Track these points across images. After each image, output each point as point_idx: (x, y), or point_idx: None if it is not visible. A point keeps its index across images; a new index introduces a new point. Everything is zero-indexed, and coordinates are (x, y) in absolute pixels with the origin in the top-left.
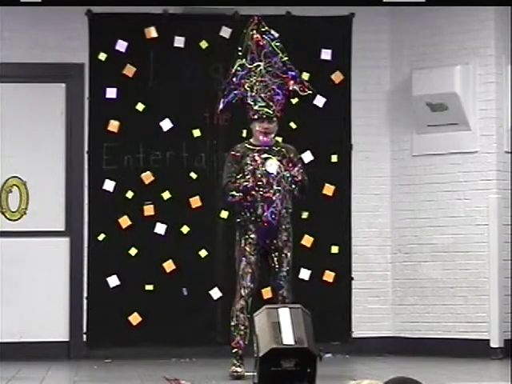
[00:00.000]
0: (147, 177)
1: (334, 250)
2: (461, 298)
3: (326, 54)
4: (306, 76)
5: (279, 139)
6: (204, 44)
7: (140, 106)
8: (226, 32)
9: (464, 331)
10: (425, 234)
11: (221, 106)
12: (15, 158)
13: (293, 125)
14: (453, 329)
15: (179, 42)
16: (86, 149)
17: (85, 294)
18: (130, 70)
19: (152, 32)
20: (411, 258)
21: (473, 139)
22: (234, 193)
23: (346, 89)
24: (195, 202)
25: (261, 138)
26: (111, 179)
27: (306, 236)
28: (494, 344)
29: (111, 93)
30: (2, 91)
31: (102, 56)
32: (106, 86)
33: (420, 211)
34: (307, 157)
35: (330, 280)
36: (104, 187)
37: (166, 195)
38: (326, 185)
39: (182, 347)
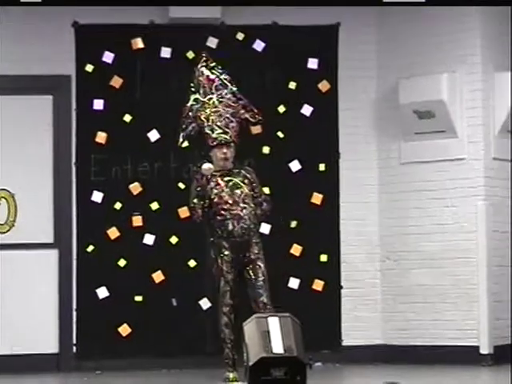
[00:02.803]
0: (135, 188)
1: (323, 258)
2: (450, 304)
3: (312, 63)
4: (292, 85)
5: (266, 149)
6: (190, 54)
7: (127, 117)
8: (212, 42)
9: (454, 338)
10: (413, 242)
11: (181, 140)
12: (3, 171)
13: (280, 134)
14: (442, 336)
15: (166, 52)
16: (73, 160)
17: (74, 306)
18: (117, 82)
19: (138, 43)
20: (400, 265)
21: (460, 146)
22: (195, 200)
23: (333, 98)
24: (184, 212)
25: (221, 163)
26: (99, 190)
27: (295, 245)
28: (484, 350)
29: (98, 104)
30: None
31: (89, 67)
32: (94, 98)
33: (408, 219)
34: (295, 166)
35: (319, 289)
36: (92, 199)
37: (155, 206)
38: (314, 193)
39: (171, 358)
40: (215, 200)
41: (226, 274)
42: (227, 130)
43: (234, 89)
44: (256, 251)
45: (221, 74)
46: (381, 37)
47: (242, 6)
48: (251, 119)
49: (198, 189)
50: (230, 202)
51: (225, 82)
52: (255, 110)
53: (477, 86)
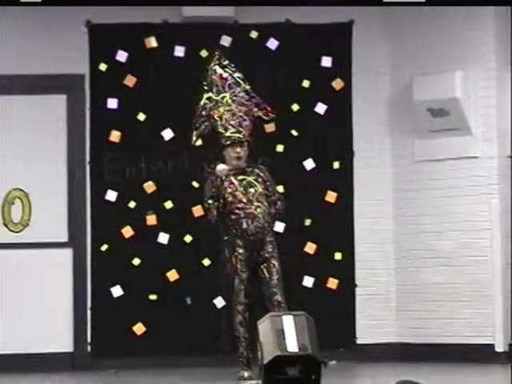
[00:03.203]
0: (149, 186)
1: (338, 256)
2: (465, 302)
3: (326, 62)
4: (306, 83)
5: (280, 147)
6: (204, 53)
7: (141, 116)
8: (225, 41)
9: (468, 336)
10: (427, 240)
11: (194, 138)
12: (17, 170)
13: (294, 132)
14: (457, 334)
15: (179, 51)
16: (87, 159)
17: (89, 305)
18: (130, 80)
19: (152, 42)
20: (414, 263)
21: (474, 144)
22: (210, 201)
23: (347, 96)
24: (198, 210)
25: (234, 162)
26: (113, 189)
27: (309, 243)
28: (499, 348)
29: (112, 103)
30: (2, 103)
31: (103, 66)
32: (107, 97)
33: (422, 217)
34: (309, 164)
35: (334, 287)
36: (106, 198)
37: (169, 205)
38: (329, 192)
39: (186, 356)
40: (229, 199)
41: (241, 273)
42: (240, 128)
43: (247, 87)
44: (270, 249)
45: (234, 72)
46: (394, 34)
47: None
48: (264, 117)
49: (213, 190)
50: (244, 200)
51: (238, 80)
52: (268, 108)
53: (491, 84)
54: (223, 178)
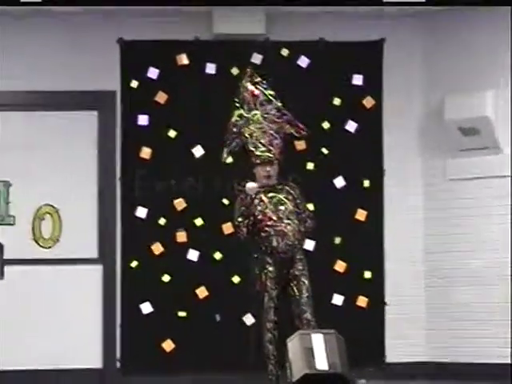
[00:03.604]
0: (180, 203)
1: (367, 275)
2: (495, 321)
3: (357, 80)
4: (337, 101)
5: (311, 165)
6: (235, 70)
7: (172, 133)
8: (256, 58)
9: (498, 356)
10: (458, 259)
11: (225, 155)
12: (48, 186)
13: (324, 150)
14: (487, 353)
15: (210, 68)
16: (118, 176)
17: (118, 321)
18: (161, 97)
19: (183, 59)
20: (444, 282)
21: (504, 163)
22: (239, 219)
23: (378, 114)
24: (227, 228)
25: (264, 181)
26: (144, 206)
27: (339, 261)
28: None
29: (143, 120)
30: (35, 120)
31: (134, 83)
32: (138, 113)
33: (453, 235)
34: (339, 182)
35: (364, 305)
36: (136, 214)
37: (199, 222)
38: (359, 210)
39: (215, 373)
40: (259, 217)
41: (271, 291)
42: (271, 147)
43: (279, 104)
44: (300, 267)
45: (265, 89)
46: (426, 53)
47: (287, 22)
48: (296, 134)
49: (243, 208)
50: (274, 218)
51: (269, 97)
52: (300, 125)
53: None
54: (253, 196)
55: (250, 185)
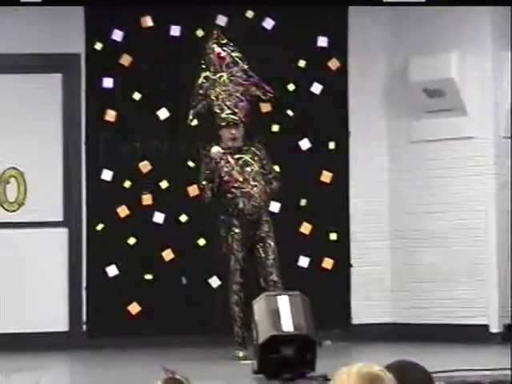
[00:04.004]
0: (145, 166)
1: (333, 237)
2: (459, 283)
3: (322, 41)
4: (302, 63)
5: (276, 127)
6: (200, 32)
7: (137, 95)
8: (221, 20)
9: (463, 316)
10: (423, 220)
11: (190, 117)
12: (12, 149)
13: (290, 112)
14: (452, 314)
15: (175, 30)
16: (83, 139)
17: (84, 285)
18: (126, 60)
19: (148, 21)
20: (410, 243)
21: (470, 125)
22: (204, 182)
23: (343, 76)
24: (193, 190)
25: (229, 143)
26: (109, 169)
27: (305, 223)
28: (494, 329)
29: (108, 82)
30: None
31: (98, 46)
32: (103, 76)
33: (418, 197)
34: (305, 144)
35: (329, 267)
36: (102, 177)
37: (164, 184)
38: (324, 172)
39: (181, 336)
40: (225, 178)
41: (237, 253)
42: (236, 110)
43: (245, 66)
44: (266, 229)
45: (232, 51)
46: (391, 15)
47: None
48: (263, 96)
49: (207, 172)
50: (241, 179)
51: (236, 59)
52: (267, 88)
53: (486, 65)
54: (218, 160)
55: (215, 149)
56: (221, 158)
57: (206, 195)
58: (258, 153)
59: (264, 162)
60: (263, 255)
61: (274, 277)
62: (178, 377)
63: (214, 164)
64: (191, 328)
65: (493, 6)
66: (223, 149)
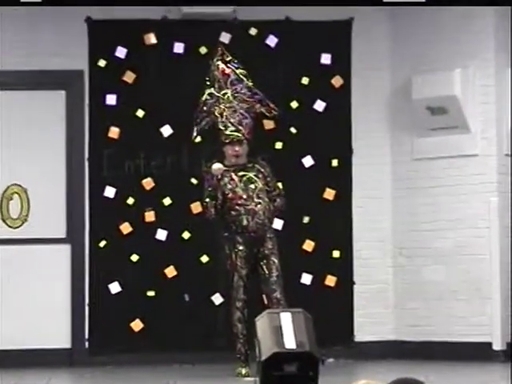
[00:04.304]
0: (148, 183)
1: (336, 254)
2: (463, 301)
3: (325, 59)
4: (305, 80)
5: (279, 144)
6: (203, 49)
7: (140, 113)
8: (225, 37)
9: (466, 334)
10: (426, 238)
11: (194, 134)
12: (16, 166)
13: (293, 129)
14: (455, 332)
15: (179, 47)
16: (86, 156)
17: (86, 301)
18: (129, 77)
19: (151, 38)
20: (413, 261)
21: (473, 142)
22: (207, 200)
23: (346, 93)
24: (196, 207)
25: (233, 160)
26: (112, 186)
27: (307, 241)
28: (497, 347)
29: (111, 99)
30: (3, 99)
31: (102, 63)
32: (106, 93)
33: (421, 215)
34: (308, 161)
35: (332, 284)
36: (105, 194)
37: (167, 201)
38: (327, 189)
39: (183, 353)
40: (229, 195)
41: (240, 270)
42: (240, 127)
43: (250, 83)
44: (270, 246)
45: (237, 68)
46: (394, 32)
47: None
48: (267, 114)
49: (210, 189)
50: (245, 196)
51: (241, 76)
52: (271, 105)
53: (489, 82)
54: (219, 176)
55: (216, 166)
56: (223, 175)
57: (210, 212)
58: (262, 170)
59: (268, 179)
60: (267, 272)
61: (278, 294)
62: None
63: (215, 181)
64: (194, 344)
65: (493, 6)
66: (227, 166)
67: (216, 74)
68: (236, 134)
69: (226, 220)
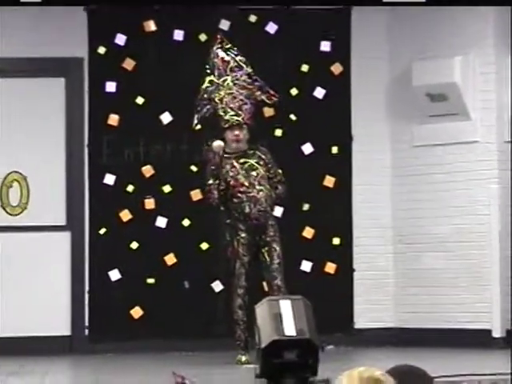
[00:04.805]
0: (148, 170)
1: (336, 241)
2: (462, 288)
3: (325, 46)
4: (305, 68)
5: (279, 132)
6: (203, 37)
7: (140, 100)
8: (224, 25)
9: (466, 321)
10: (426, 225)
11: (195, 121)
12: (15, 153)
13: (293, 117)
14: (454, 319)
15: (178, 35)
16: (86, 143)
17: (86, 289)
18: (129, 64)
19: (151, 25)
20: (412, 248)
21: (473, 129)
22: (210, 181)
23: (346, 80)
24: (196, 195)
25: (233, 145)
26: (112, 173)
27: (307, 228)
28: (496, 334)
29: (111, 86)
30: (2, 86)
31: (101, 50)
32: (106, 80)
33: (421, 202)
34: (307, 149)
35: (332, 271)
36: (104, 181)
37: (167, 188)
38: (327, 176)
39: (183, 340)
40: (231, 183)
41: (242, 257)
42: (240, 112)
43: (250, 70)
44: (272, 234)
45: (236, 55)
46: (393, 19)
47: None
48: (267, 101)
49: (212, 167)
50: (246, 184)
51: (240, 63)
52: (271, 92)
53: (489, 69)
54: (221, 153)
55: (216, 143)
56: (224, 162)
57: (213, 195)
58: (263, 157)
59: (269, 165)
60: (268, 259)
61: (278, 281)
62: (187, 382)
63: (218, 159)
64: (194, 332)
65: (493, 6)
66: (228, 153)
67: (216, 61)
68: (235, 118)
69: (228, 207)
